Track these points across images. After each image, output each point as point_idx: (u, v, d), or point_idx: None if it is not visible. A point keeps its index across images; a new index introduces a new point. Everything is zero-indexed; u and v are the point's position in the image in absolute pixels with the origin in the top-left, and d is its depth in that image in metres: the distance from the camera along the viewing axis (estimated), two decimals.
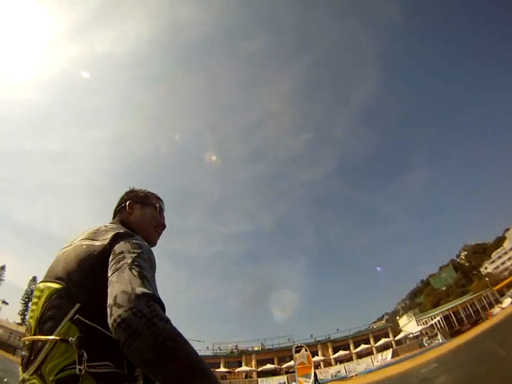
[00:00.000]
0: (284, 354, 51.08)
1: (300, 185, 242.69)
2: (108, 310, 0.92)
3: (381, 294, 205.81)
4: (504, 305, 60.51)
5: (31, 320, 1.15)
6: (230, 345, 53.65)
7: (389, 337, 59.76)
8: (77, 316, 1.05)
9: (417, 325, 69.05)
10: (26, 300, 67.73)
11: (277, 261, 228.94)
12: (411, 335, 62.18)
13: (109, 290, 1.00)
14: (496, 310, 61.72)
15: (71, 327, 1.04)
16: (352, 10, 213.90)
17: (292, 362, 46.42)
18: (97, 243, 1.23)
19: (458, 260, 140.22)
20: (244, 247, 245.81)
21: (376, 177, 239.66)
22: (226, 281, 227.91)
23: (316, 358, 50.16)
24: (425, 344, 53.59)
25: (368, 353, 55.43)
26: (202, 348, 53.66)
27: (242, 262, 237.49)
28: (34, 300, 1.19)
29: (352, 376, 43.90)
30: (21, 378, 1.07)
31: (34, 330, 1.10)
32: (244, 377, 46.29)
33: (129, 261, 1.07)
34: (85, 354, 0.97)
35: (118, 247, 1.17)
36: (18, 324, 57.89)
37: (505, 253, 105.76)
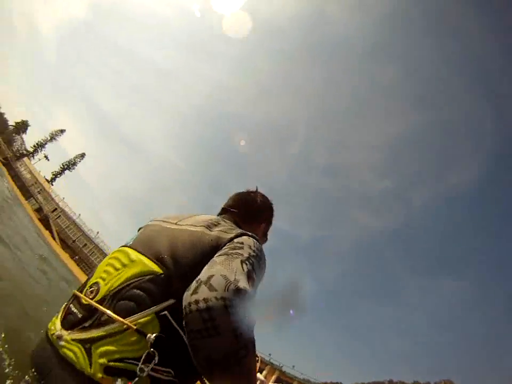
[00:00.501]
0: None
1: (355, 224, 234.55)
2: (194, 283, 0.80)
3: (346, 360, 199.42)
4: None
5: (102, 283, 0.97)
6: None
7: None
8: (165, 312, 0.88)
9: None
10: (66, 166, 73.13)
11: (284, 273, 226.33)
12: None
13: (205, 267, 0.86)
14: None
15: (153, 321, 0.87)
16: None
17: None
18: (219, 236, 1.06)
19: None
20: (272, 243, 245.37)
21: (426, 261, 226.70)
22: None
23: (258, 375, 51.02)
24: None
25: None
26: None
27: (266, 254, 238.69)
28: (115, 262, 1.01)
29: None
30: (57, 332, 0.91)
31: (103, 297, 0.93)
32: None
33: (245, 255, 0.93)
34: (156, 357, 0.81)
35: (240, 239, 1.03)
36: (46, 179, 62.49)
37: None
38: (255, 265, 0.94)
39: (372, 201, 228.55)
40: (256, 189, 1.68)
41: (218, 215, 1.46)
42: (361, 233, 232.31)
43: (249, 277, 0.86)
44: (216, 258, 0.90)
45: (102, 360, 0.81)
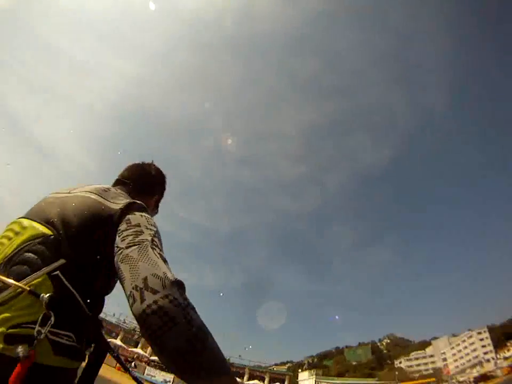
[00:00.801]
0: None
1: (273, 210, 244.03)
2: (135, 292, 0.80)
3: (294, 342, 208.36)
4: None
5: None
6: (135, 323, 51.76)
7: (284, 383, 58.70)
8: (57, 272, 0.91)
9: None
10: None
11: (214, 268, 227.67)
12: None
13: (126, 265, 0.88)
14: None
15: (46, 282, 0.89)
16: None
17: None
18: (107, 203, 1.13)
19: (378, 344, 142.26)
20: (192, 238, 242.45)
21: (347, 236, 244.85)
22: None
23: None
24: None
25: None
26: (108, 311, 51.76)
27: (187, 251, 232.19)
28: (9, 233, 1.03)
29: None
30: None
31: None
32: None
33: (149, 238, 0.97)
34: (52, 317, 0.83)
35: (134, 218, 1.06)
36: None
37: (424, 357, 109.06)
38: (158, 243, 0.99)
39: (288, 187, 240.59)
40: (152, 162, 1.70)
41: (112, 186, 1.45)
42: (281, 219, 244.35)
43: (165, 260, 0.92)
44: (130, 252, 0.90)
45: (1, 329, 0.79)
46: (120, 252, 0.93)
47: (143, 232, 0.99)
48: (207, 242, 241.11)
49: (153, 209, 1.65)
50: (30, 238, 0.95)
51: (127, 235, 0.97)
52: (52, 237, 0.97)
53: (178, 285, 0.83)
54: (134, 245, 0.93)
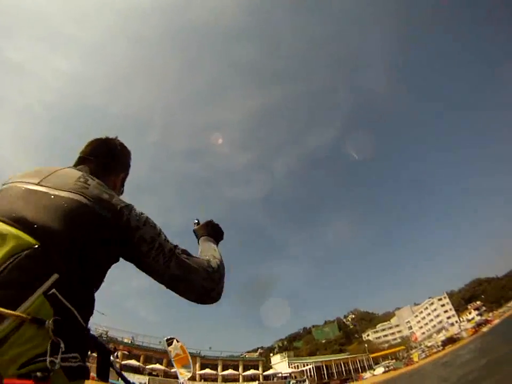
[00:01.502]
0: (151, 354, 48.14)
1: (223, 199, 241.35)
2: (206, 282, 1.10)
3: (262, 327, 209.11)
4: (376, 372, 61.94)
5: None
6: (101, 328, 47.60)
7: (258, 370, 57.28)
8: (53, 290, 0.77)
9: (289, 367, 68.05)
10: None
11: None
12: (280, 375, 60.78)
13: (181, 282, 1.08)
14: (367, 374, 62.80)
15: (44, 304, 0.75)
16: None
17: (157, 365, 46.50)
18: (96, 208, 1.00)
19: (344, 320, 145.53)
20: None
21: (297, 219, 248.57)
22: None
23: (180, 369, 47.30)
24: None
25: (235, 379, 53.21)
26: None
27: None
28: None
29: None
30: None
31: None
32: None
33: (174, 249, 1.11)
34: (62, 344, 0.73)
35: (146, 233, 1.07)
36: None
37: (390, 327, 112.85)
38: (162, 234, 1.13)
39: (238, 176, 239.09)
40: (116, 137, 1.54)
41: (75, 166, 1.34)
42: (234, 208, 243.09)
43: (187, 253, 1.14)
44: (171, 271, 1.06)
45: (13, 370, 0.66)
46: (162, 275, 1.06)
47: (165, 246, 1.08)
48: None
49: (119, 188, 1.52)
50: (14, 251, 0.76)
51: (157, 255, 1.05)
52: (39, 248, 0.80)
53: (211, 264, 1.15)
54: (170, 261, 1.06)
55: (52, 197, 0.97)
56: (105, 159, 1.40)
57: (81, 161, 1.36)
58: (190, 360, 15.97)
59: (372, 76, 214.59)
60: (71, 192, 1.00)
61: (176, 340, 16.08)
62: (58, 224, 0.88)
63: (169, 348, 16.41)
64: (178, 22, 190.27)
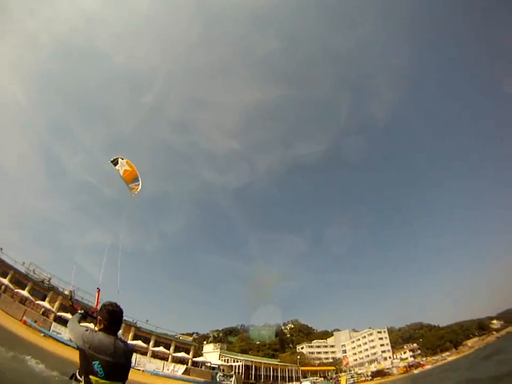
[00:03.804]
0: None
1: (198, 180, 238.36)
2: None
3: (203, 314, 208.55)
4: None
5: None
6: (45, 274, 44.29)
7: (189, 354, 55.96)
8: None
9: (219, 358, 67.57)
10: None
11: (131, 229, 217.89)
12: (209, 364, 59.76)
13: None
14: None
15: None
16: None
17: (91, 325, 43.27)
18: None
19: (283, 327, 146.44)
20: (113, 193, 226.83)
21: (264, 220, 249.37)
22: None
23: None
24: (217, 379, 52.21)
25: (164, 358, 51.62)
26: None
27: (107, 207, 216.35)
28: None
29: (139, 369, 41.66)
30: None
31: None
32: (41, 312, 39.46)
33: None
34: None
35: None
36: None
37: (325, 346, 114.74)
38: None
39: (217, 160, 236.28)
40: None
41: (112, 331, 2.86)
42: (206, 189, 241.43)
43: None
44: None
45: None
46: None
47: None
48: (127, 200, 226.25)
49: None
50: None
51: None
52: None
53: None
54: None
55: None
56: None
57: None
58: (138, 173, 15.42)
59: (377, 103, 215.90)
60: None
61: (121, 158, 15.17)
62: None
63: (117, 167, 15.60)
64: None
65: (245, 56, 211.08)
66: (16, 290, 38.34)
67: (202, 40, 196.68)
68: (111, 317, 3.17)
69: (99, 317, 3.21)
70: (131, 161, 16.22)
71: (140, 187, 16.38)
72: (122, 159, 16.26)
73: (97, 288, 11.72)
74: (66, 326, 34.03)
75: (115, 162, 15.89)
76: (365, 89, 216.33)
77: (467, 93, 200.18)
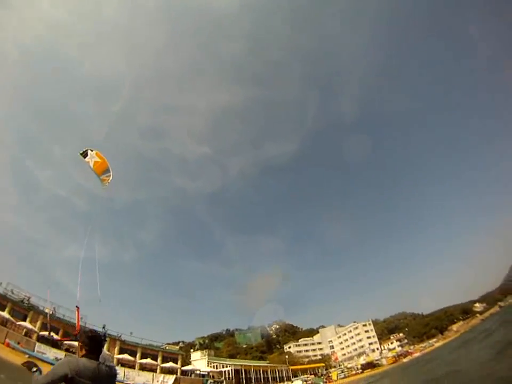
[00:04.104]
0: (68, 329, 42.17)
1: (171, 187, 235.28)
2: None
3: (187, 322, 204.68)
4: None
5: None
6: (24, 293, 42.88)
7: (177, 363, 54.12)
8: None
9: (208, 365, 66.19)
10: None
11: (105, 240, 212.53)
12: (198, 372, 58.39)
13: None
14: None
15: None
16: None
17: (75, 343, 40.89)
18: None
19: (268, 329, 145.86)
20: (85, 206, 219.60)
21: (241, 221, 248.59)
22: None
23: None
24: None
25: (152, 369, 49.77)
26: None
27: (79, 220, 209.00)
28: None
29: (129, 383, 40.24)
30: None
31: None
32: (23, 333, 37.19)
33: None
34: None
35: None
36: None
37: (312, 344, 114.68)
38: None
39: (189, 165, 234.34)
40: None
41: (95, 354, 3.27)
42: (179, 196, 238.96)
43: None
44: None
45: None
46: None
47: None
48: (101, 212, 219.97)
49: None
50: None
51: None
52: None
53: None
54: None
55: None
56: None
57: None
58: (108, 164, 14.65)
59: (343, 101, 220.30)
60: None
61: (90, 149, 14.42)
62: None
63: (86, 159, 14.96)
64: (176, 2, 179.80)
65: (212, 59, 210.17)
66: None
67: (168, 45, 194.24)
68: (92, 343, 3.33)
69: (80, 343, 3.36)
70: (101, 153, 15.07)
71: (111, 178, 15.30)
72: (92, 151, 15.13)
73: (76, 307, 10.65)
74: (50, 345, 31.85)
75: (84, 154, 14.69)
76: (332, 88, 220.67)
77: (434, 85, 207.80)
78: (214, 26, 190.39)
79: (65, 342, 39.17)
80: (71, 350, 39.24)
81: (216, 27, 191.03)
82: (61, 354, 35.68)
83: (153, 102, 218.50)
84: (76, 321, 9.54)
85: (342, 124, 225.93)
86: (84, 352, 3.25)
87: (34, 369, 3.31)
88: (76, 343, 41.98)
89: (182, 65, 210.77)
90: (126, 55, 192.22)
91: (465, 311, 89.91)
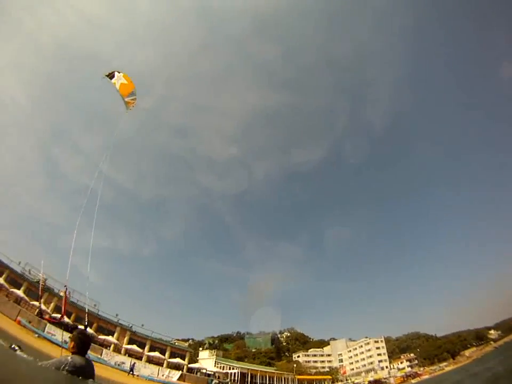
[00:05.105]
0: (81, 314, 43.81)
1: (197, 186, 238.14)
2: None
3: (199, 320, 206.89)
4: None
5: None
6: (41, 274, 44.22)
7: (184, 360, 55.25)
8: None
9: (215, 365, 66.79)
10: None
11: (129, 233, 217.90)
12: (204, 371, 59.20)
13: None
14: None
15: None
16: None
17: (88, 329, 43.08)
18: None
19: (279, 336, 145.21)
20: (112, 198, 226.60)
21: (264, 225, 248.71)
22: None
23: (109, 338, 46.78)
24: None
25: (159, 363, 50.82)
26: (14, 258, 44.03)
27: (105, 211, 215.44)
28: None
29: (135, 375, 40.81)
30: None
31: None
32: (36, 313, 38.23)
33: None
34: None
35: None
36: None
37: (322, 355, 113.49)
38: None
39: (217, 166, 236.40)
40: None
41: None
42: (204, 196, 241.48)
43: None
44: None
45: None
46: None
47: None
48: (126, 205, 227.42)
49: None
50: None
51: None
52: None
53: None
54: None
55: None
56: None
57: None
58: (135, 87, 15.04)
59: (374, 111, 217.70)
60: None
61: (117, 71, 14.62)
62: None
63: (113, 81, 15.10)
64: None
65: (246, 62, 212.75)
66: (11, 289, 37.87)
67: (203, 46, 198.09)
68: (83, 344, 3.92)
69: (73, 342, 3.83)
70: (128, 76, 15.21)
71: (135, 101, 15.48)
72: (119, 73, 15.39)
73: (65, 286, 11.04)
74: (60, 328, 33.16)
75: (111, 76, 14.93)
76: (364, 96, 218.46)
77: (466, 97, 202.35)
78: (249, 29, 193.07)
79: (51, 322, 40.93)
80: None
81: (252, 30, 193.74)
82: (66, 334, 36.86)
83: (185, 101, 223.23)
84: (63, 304, 9.52)
85: (371, 134, 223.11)
86: (74, 350, 3.77)
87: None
88: (88, 330, 43.85)
89: (215, 66, 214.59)
90: (160, 53, 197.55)
91: (479, 337, 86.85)
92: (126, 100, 15.61)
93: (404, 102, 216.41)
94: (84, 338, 3.98)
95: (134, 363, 42.70)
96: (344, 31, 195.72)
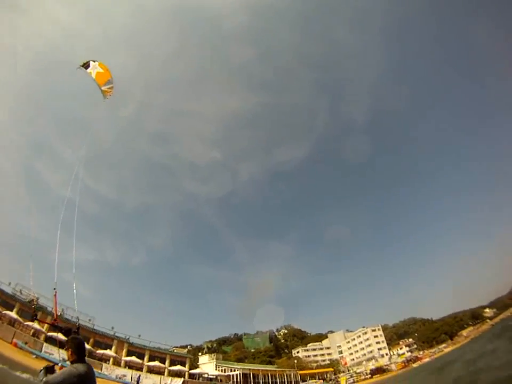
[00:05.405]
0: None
1: (181, 192, 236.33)
2: None
3: (195, 325, 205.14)
4: None
5: None
6: (32, 294, 42.52)
7: (185, 366, 54.48)
8: None
9: (216, 369, 66.23)
10: None
11: (116, 244, 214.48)
12: (206, 375, 58.63)
13: None
14: None
15: None
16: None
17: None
18: None
19: (276, 333, 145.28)
20: (95, 209, 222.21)
21: (251, 226, 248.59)
22: None
23: (108, 352, 45.66)
24: None
25: (160, 372, 49.99)
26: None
27: (89, 223, 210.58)
28: None
29: None
30: None
31: None
32: (31, 334, 37.73)
33: None
34: None
35: None
36: None
37: (321, 348, 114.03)
38: None
39: (200, 170, 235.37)
40: None
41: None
42: (189, 201, 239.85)
43: None
44: None
45: None
46: None
47: None
48: (110, 215, 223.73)
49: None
50: None
51: None
52: None
53: None
54: None
55: None
56: None
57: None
58: (112, 75, 14.11)
59: (354, 107, 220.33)
60: None
61: (92, 60, 13.82)
62: None
63: (88, 70, 14.16)
64: (184, 2, 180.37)
65: (222, 65, 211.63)
66: (3, 312, 36.47)
67: (178, 50, 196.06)
68: (80, 349, 3.81)
69: (70, 350, 3.73)
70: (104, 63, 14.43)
71: (112, 90, 14.79)
72: (94, 62, 14.64)
73: (54, 289, 10.40)
74: (57, 347, 32.13)
75: (86, 65, 14.16)
76: (343, 94, 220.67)
77: (445, 90, 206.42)
78: (224, 32, 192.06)
79: (46, 323, 39.58)
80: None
81: (226, 33, 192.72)
82: (62, 352, 35.95)
83: (163, 107, 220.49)
84: (54, 308, 9.16)
85: (352, 129, 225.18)
86: (74, 357, 3.69)
87: (42, 368, 3.82)
88: (87, 346, 42.80)
89: (192, 70, 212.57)
90: (136, 59, 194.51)
91: (475, 316, 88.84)
92: (103, 88, 14.87)
93: (386, 99, 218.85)
94: (78, 341, 3.93)
95: (139, 375, 41.67)
96: (321, 31, 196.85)
